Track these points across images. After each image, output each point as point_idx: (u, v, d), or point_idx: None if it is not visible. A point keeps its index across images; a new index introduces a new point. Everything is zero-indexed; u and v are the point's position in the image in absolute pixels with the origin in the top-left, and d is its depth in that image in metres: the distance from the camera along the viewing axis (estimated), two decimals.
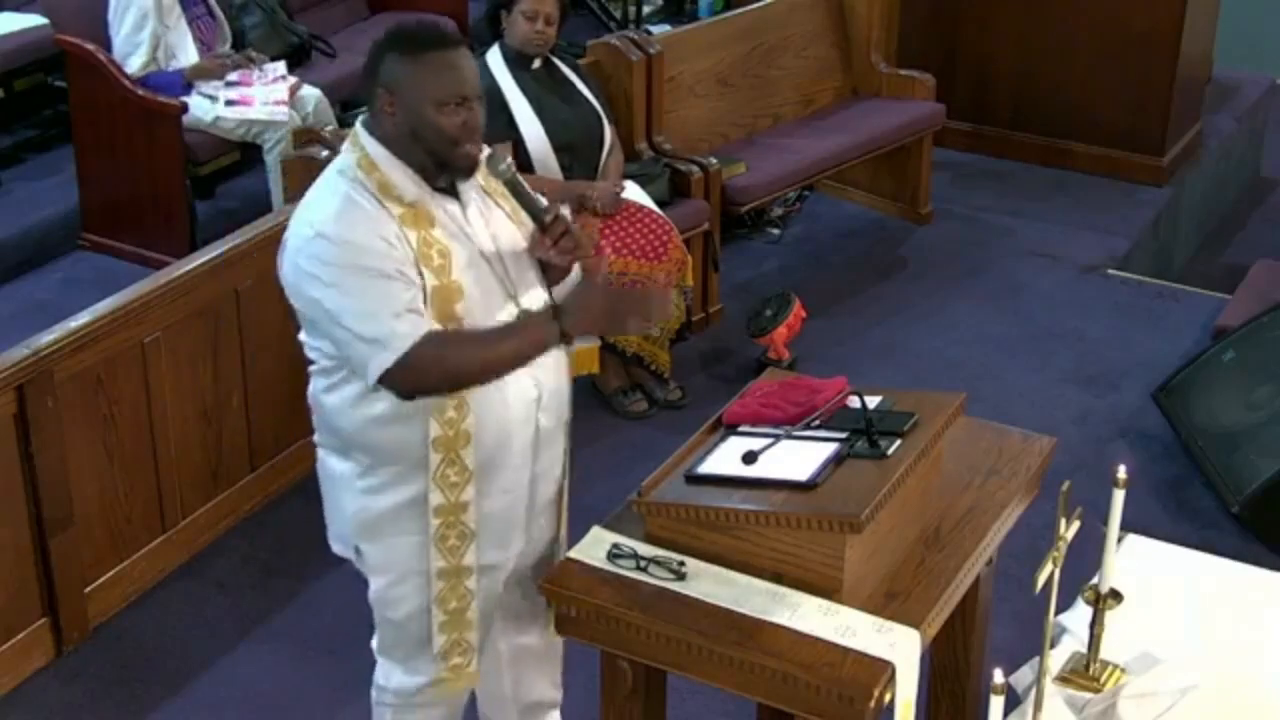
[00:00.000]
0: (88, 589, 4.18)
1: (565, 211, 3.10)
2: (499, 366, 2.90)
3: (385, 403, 2.92)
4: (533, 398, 3.00)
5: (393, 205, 2.89)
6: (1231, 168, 7.51)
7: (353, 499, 3.06)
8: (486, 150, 3.02)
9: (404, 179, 2.92)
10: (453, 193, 2.98)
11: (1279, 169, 7.87)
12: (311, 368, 3.05)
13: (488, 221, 3.01)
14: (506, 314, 2.96)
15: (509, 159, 3.01)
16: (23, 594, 4.02)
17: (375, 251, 2.83)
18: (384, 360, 2.82)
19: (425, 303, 2.86)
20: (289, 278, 2.93)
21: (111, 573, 4.26)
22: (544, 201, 3.03)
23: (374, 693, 3.31)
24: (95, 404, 4.12)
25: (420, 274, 2.86)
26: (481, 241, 2.97)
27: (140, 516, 4.32)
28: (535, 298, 3.03)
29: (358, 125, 2.98)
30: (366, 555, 3.12)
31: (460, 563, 3.04)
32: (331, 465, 3.09)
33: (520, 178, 3.02)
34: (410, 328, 2.82)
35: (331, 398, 3.00)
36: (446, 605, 3.08)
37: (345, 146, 2.99)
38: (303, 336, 3.03)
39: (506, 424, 2.97)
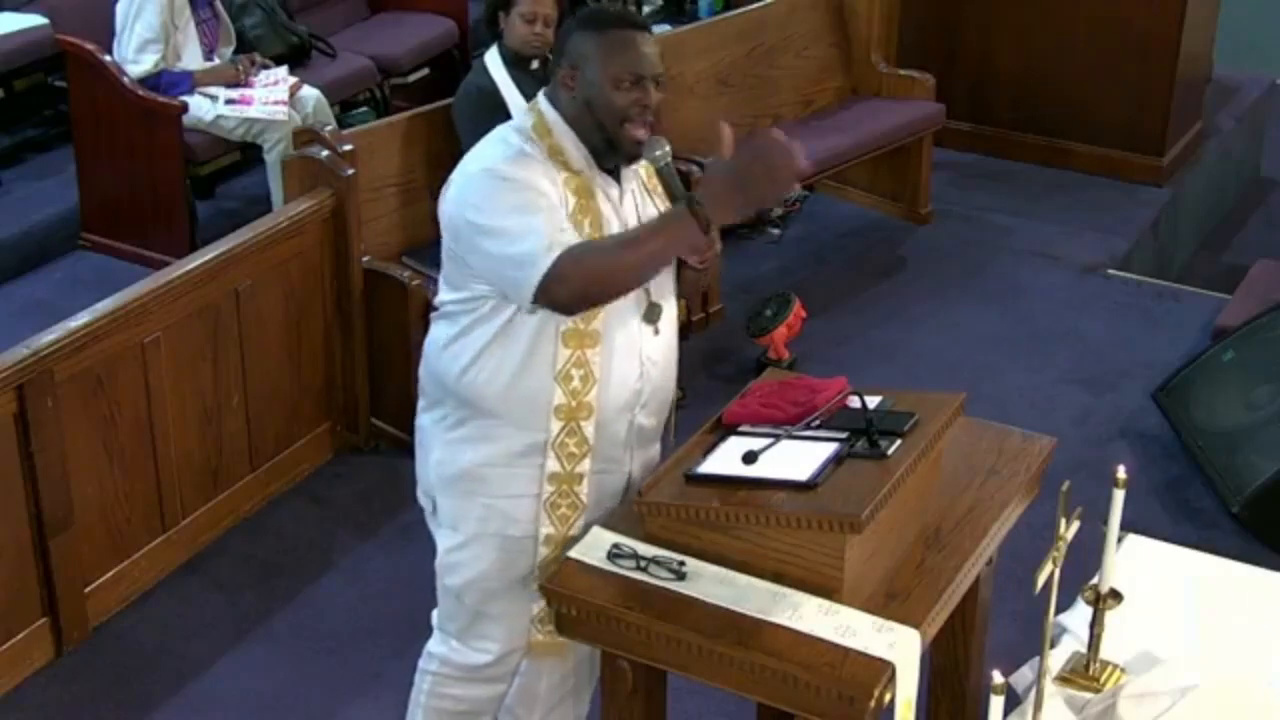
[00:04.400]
0: (88, 589, 4.18)
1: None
2: (644, 265, 2.87)
3: (512, 358, 2.96)
4: (635, 390, 3.04)
5: (560, 170, 2.96)
6: (1231, 168, 7.51)
7: (440, 449, 3.11)
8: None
9: (573, 148, 2.99)
10: (615, 176, 3.03)
11: (1279, 169, 7.87)
12: (435, 315, 3.11)
13: (639, 210, 3.07)
14: (639, 302, 3.02)
15: (666, 147, 2.99)
16: (23, 594, 4.02)
17: (537, 189, 2.90)
18: (533, 275, 2.81)
19: None
20: (449, 208, 2.99)
21: (111, 573, 4.26)
22: (688, 196, 2.98)
23: (422, 659, 3.34)
24: (95, 404, 4.12)
25: (573, 233, 2.90)
26: (627, 226, 3.01)
27: (140, 516, 4.32)
28: (665, 292, 3.10)
29: (540, 95, 3.05)
30: (441, 509, 3.16)
31: (568, 533, 3.08)
32: (424, 418, 3.15)
33: (674, 169, 3.01)
34: (557, 249, 2.83)
35: (451, 346, 3.04)
36: (549, 572, 3.07)
37: (524, 111, 3.07)
38: (440, 281, 3.08)
39: (605, 409, 3.02)
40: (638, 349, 3.05)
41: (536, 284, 2.82)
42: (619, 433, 3.08)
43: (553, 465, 3.04)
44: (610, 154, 3.02)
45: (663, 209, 3.07)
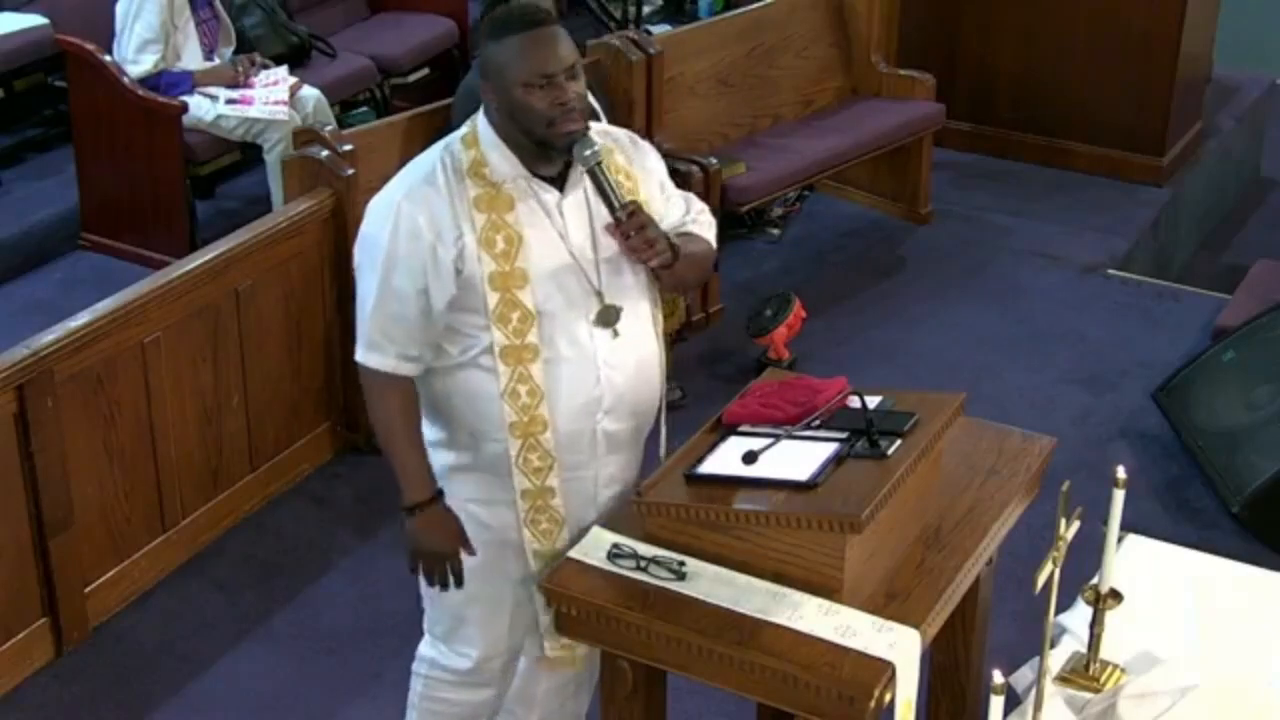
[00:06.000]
0: (88, 589, 4.18)
1: (697, 213, 3.15)
2: (387, 455, 3.04)
3: (457, 376, 2.99)
4: (593, 396, 2.99)
5: (475, 184, 2.93)
6: (1231, 168, 7.51)
7: None
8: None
9: (501, 159, 2.96)
10: (557, 182, 2.98)
11: (1279, 169, 7.86)
12: None
13: (590, 214, 3.00)
14: (588, 307, 2.97)
15: (596, 147, 2.94)
16: (23, 594, 4.02)
17: (412, 255, 2.91)
18: (358, 346, 3.02)
19: (484, 284, 2.91)
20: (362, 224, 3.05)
21: (111, 573, 4.26)
22: (623, 195, 2.98)
23: (415, 661, 3.35)
24: (95, 404, 4.12)
25: (479, 259, 2.90)
26: (570, 232, 2.97)
27: (140, 516, 4.32)
28: (626, 295, 3.02)
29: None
30: None
31: (555, 546, 3.06)
32: None
33: (605, 169, 2.95)
34: (386, 351, 2.97)
35: None
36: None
37: (468, 120, 3.07)
38: None
39: (561, 418, 2.99)
40: (591, 355, 2.98)
41: (357, 358, 3.02)
42: (580, 442, 3.02)
43: (522, 482, 3.02)
44: (547, 159, 2.96)
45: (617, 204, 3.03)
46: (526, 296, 2.92)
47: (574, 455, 3.03)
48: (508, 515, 3.07)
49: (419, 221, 2.91)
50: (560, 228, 2.97)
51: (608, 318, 2.99)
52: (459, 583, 3.09)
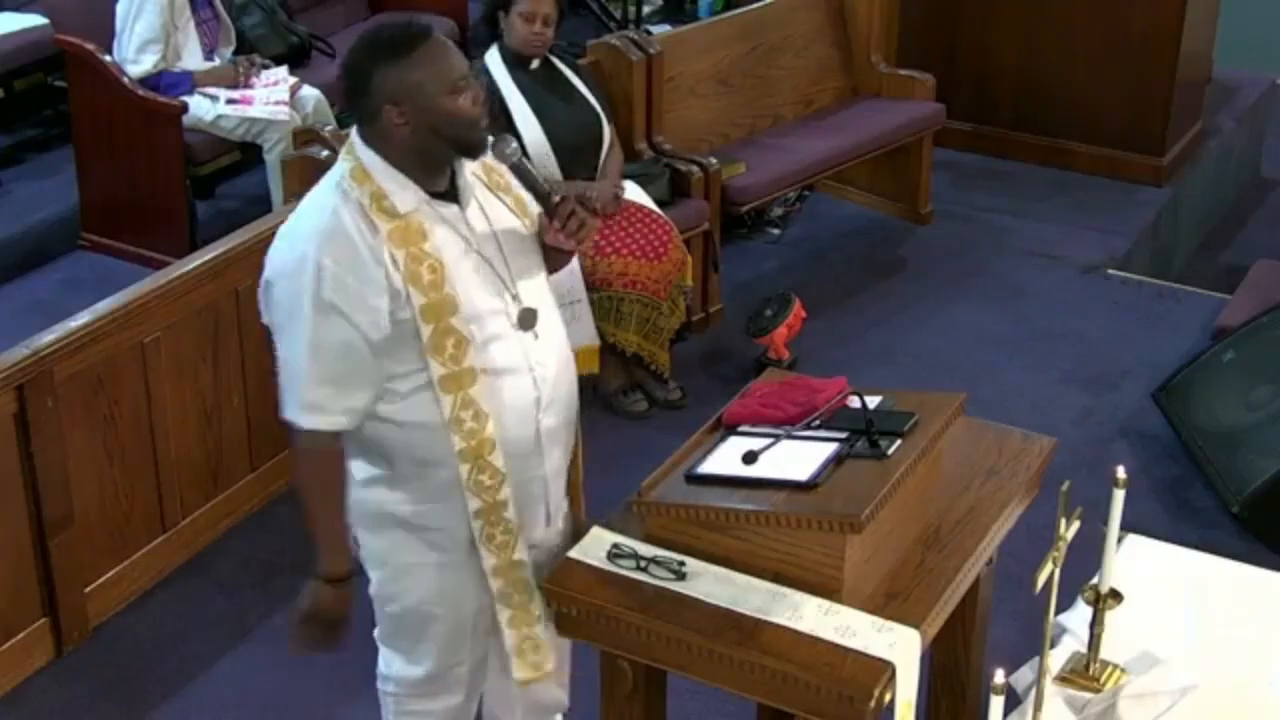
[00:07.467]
0: (88, 589, 4.18)
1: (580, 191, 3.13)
2: (317, 520, 3.01)
3: (398, 412, 2.93)
4: (532, 399, 2.98)
5: (383, 220, 2.86)
6: (1231, 168, 7.51)
7: (356, 489, 3.07)
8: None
9: (400, 189, 2.89)
10: (450, 195, 2.95)
11: (1279, 169, 7.87)
12: None
13: (489, 217, 2.99)
14: (504, 310, 2.95)
15: (514, 143, 2.96)
16: (23, 594, 4.02)
17: (341, 307, 2.83)
18: (289, 408, 2.92)
19: (417, 318, 2.85)
20: (263, 290, 2.95)
21: (111, 573, 4.26)
22: (550, 185, 3.00)
23: (378, 681, 3.33)
24: (95, 404, 4.12)
25: (407, 295, 2.85)
26: (481, 242, 2.96)
27: (140, 516, 4.32)
28: (537, 291, 3.02)
29: (353, 135, 2.95)
30: (365, 546, 3.13)
31: (513, 557, 3.05)
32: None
33: (526, 161, 2.98)
34: (328, 409, 2.89)
35: None
36: (510, 600, 3.08)
37: (340, 156, 2.97)
38: None
39: (507, 428, 2.96)
40: (524, 360, 2.97)
41: (293, 421, 2.91)
42: (527, 444, 3.00)
43: (474, 503, 2.98)
44: (441, 174, 2.92)
45: (510, 203, 3.02)
46: (459, 321, 2.88)
47: (523, 460, 3.00)
48: (461, 536, 3.03)
49: (339, 272, 2.83)
50: (472, 242, 2.94)
51: (527, 321, 2.97)
52: (331, 650, 3.12)
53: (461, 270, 2.91)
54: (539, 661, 3.16)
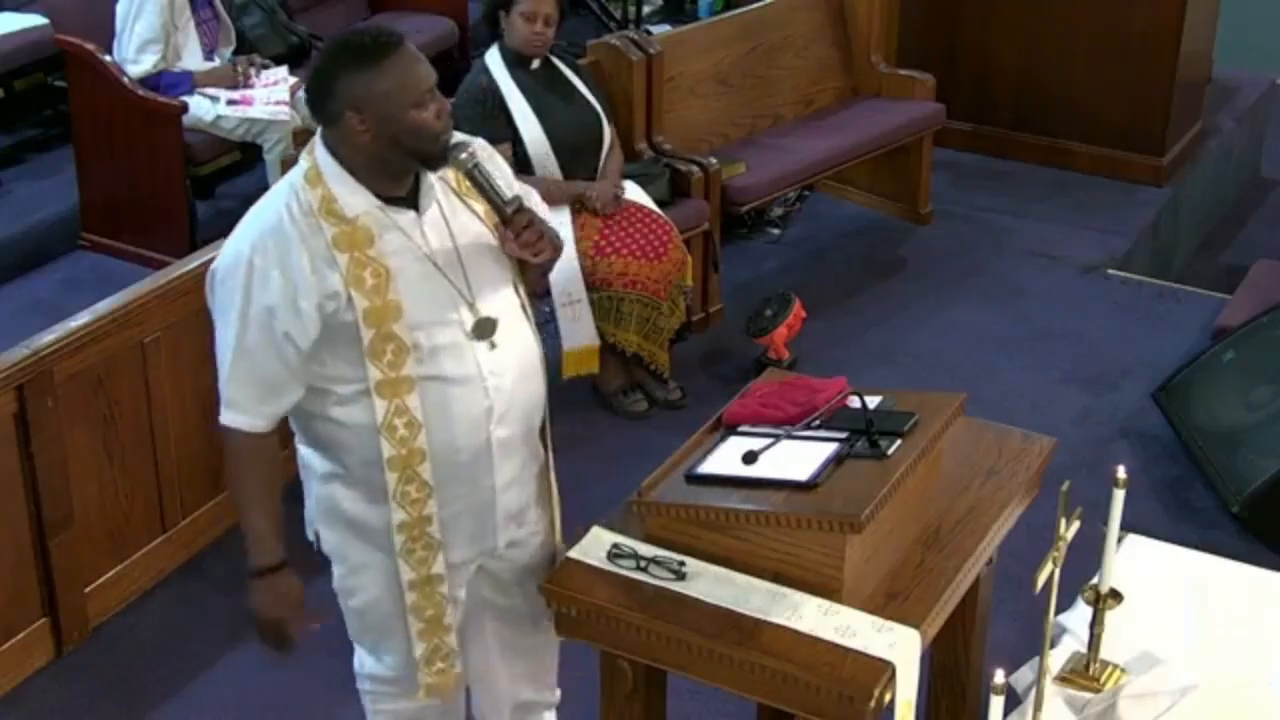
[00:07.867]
0: (88, 589, 4.18)
1: (538, 205, 3.10)
2: (241, 516, 3.07)
3: (335, 413, 2.95)
4: (483, 409, 2.93)
5: (329, 223, 2.85)
6: (1231, 168, 7.51)
7: (317, 483, 3.09)
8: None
9: (350, 194, 2.87)
10: (408, 202, 2.92)
11: (1279, 169, 7.87)
12: None
13: (450, 226, 2.94)
14: (461, 322, 2.91)
15: (471, 148, 2.91)
16: (23, 594, 4.02)
17: (268, 311, 2.83)
18: (222, 412, 2.98)
19: (360, 322, 2.84)
20: (208, 279, 2.97)
21: (111, 573, 4.26)
22: (508, 194, 2.95)
23: (356, 680, 3.33)
24: (95, 404, 4.12)
25: (349, 298, 2.83)
26: (436, 251, 2.91)
27: (140, 516, 4.32)
28: (498, 300, 2.97)
29: (316, 136, 2.94)
30: (325, 540, 3.14)
31: (430, 572, 3.03)
32: (304, 451, 3.12)
33: (484, 169, 2.92)
34: (244, 409, 2.95)
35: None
36: (423, 614, 3.06)
37: (300, 156, 2.95)
38: None
39: (455, 437, 2.93)
40: (475, 370, 2.91)
41: (221, 411, 2.98)
42: (471, 457, 2.96)
43: (398, 515, 2.96)
44: (401, 180, 2.90)
45: (480, 211, 2.98)
46: (401, 329, 2.86)
47: (470, 469, 2.97)
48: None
49: (272, 276, 2.82)
50: (425, 248, 2.90)
51: (484, 330, 2.93)
52: (289, 650, 3.10)
53: (411, 277, 2.87)
54: (445, 669, 3.14)
